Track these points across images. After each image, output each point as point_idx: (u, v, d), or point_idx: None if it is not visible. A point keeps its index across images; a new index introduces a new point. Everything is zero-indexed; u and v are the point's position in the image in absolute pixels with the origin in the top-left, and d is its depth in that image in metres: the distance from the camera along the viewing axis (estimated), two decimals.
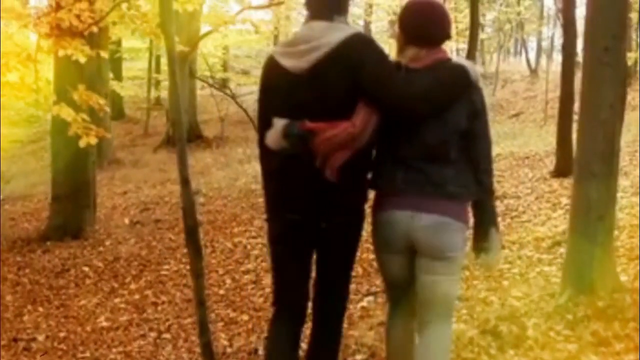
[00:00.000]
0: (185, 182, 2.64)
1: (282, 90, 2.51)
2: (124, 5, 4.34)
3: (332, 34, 2.46)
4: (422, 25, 2.56)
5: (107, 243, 8.67)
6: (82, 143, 4.60)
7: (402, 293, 2.74)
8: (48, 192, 10.26)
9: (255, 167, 12.33)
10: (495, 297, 4.21)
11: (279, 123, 2.45)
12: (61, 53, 4.36)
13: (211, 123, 19.41)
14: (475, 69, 2.57)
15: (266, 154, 2.60)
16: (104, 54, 5.78)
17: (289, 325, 2.77)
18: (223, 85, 19.92)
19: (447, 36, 2.61)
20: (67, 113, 4.43)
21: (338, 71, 2.43)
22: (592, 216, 3.64)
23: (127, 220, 9.76)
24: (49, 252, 8.56)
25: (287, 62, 2.49)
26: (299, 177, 2.51)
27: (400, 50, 2.61)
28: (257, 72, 24.85)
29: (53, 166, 9.48)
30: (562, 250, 5.72)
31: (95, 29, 4.34)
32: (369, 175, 2.68)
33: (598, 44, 3.55)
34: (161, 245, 8.23)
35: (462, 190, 2.58)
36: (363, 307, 5.09)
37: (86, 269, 7.58)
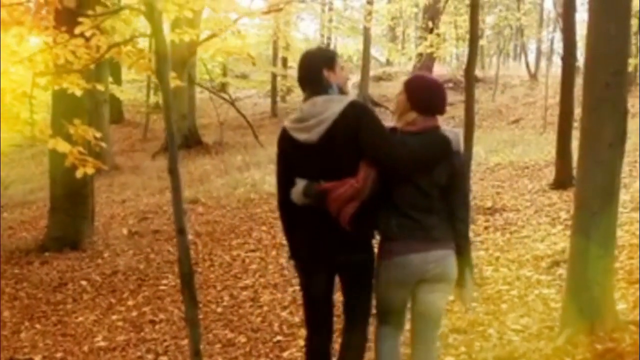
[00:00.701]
0: (181, 231, 2.64)
1: (298, 158, 3.11)
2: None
3: (332, 107, 3.02)
4: (429, 99, 3.17)
5: (105, 255, 8.65)
6: (78, 174, 4.59)
7: (395, 315, 3.31)
8: (47, 198, 10.24)
9: (254, 176, 12.31)
10: (493, 329, 4.18)
11: (300, 184, 3.06)
12: (57, 87, 4.37)
13: (211, 128, 19.39)
14: (459, 138, 3.18)
15: (286, 205, 3.21)
16: (100, 87, 5.76)
17: (316, 340, 3.35)
18: (222, 89, 19.89)
19: (443, 112, 3.22)
20: (63, 147, 4.43)
21: (341, 138, 3.01)
22: (591, 255, 3.62)
23: (125, 231, 9.72)
24: (47, 263, 8.53)
25: (300, 136, 3.07)
26: (319, 224, 3.09)
27: (403, 112, 3.19)
28: (256, 76, 24.92)
29: (51, 176, 9.46)
30: (561, 271, 5.72)
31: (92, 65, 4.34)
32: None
33: (599, 80, 3.51)
34: (159, 258, 8.21)
35: (444, 236, 3.15)
36: None
37: (84, 283, 7.56)
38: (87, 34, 3.98)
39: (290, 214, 3.21)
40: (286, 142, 3.15)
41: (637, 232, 6.50)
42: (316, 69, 3.10)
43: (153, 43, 3.07)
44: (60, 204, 9.15)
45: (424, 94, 3.15)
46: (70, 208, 9.05)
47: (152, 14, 2.63)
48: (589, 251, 3.62)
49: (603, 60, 3.52)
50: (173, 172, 2.70)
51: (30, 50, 4.23)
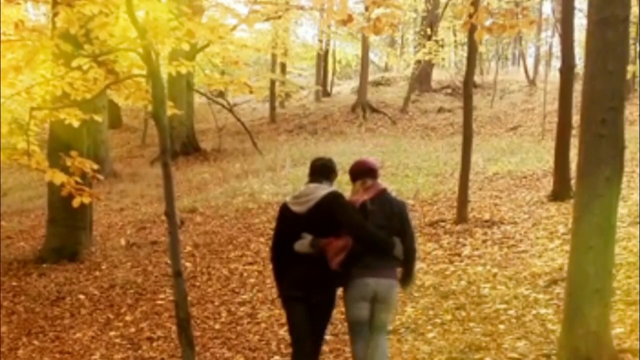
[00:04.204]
0: (178, 274, 2.64)
1: (293, 223, 4.35)
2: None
3: (318, 192, 4.35)
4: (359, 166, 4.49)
5: (103, 267, 8.65)
6: (75, 203, 4.62)
7: (363, 328, 4.27)
8: (45, 206, 10.22)
9: (252, 185, 12.30)
10: (490, 358, 4.18)
11: (307, 237, 4.28)
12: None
13: (209, 133, 19.35)
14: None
15: (277, 255, 4.47)
16: (98, 118, 5.78)
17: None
18: (220, 95, 19.87)
19: (377, 175, 4.47)
20: (60, 178, 4.45)
21: (320, 213, 4.29)
22: (588, 289, 3.62)
23: (123, 242, 9.71)
24: (45, 275, 8.53)
25: (295, 208, 4.38)
26: (306, 270, 4.33)
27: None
28: (253, 82, 24.77)
29: (49, 186, 9.43)
30: (558, 289, 5.72)
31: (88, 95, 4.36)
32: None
33: (595, 116, 3.52)
34: (157, 271, 8.20)
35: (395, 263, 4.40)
36: None
37: (82, 296, 7.56)
38: (85, 66, 4.01)
39: (281, 263, 4.44)
40: (286, 211, 4.44)
41: (635, 249, 6.49)
42: (331, 172, 4.47)
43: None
44: (59, 215, 9.13)
45: (353, 168, 4.45)
46: (69, 219, 9.02)
47: (149, 56, 2.63)
48: (586, 286, 3.62)
49: (599, 97, 3.53)
50: (170, 215, 2.70)
51: (27, 82, 4.26)
